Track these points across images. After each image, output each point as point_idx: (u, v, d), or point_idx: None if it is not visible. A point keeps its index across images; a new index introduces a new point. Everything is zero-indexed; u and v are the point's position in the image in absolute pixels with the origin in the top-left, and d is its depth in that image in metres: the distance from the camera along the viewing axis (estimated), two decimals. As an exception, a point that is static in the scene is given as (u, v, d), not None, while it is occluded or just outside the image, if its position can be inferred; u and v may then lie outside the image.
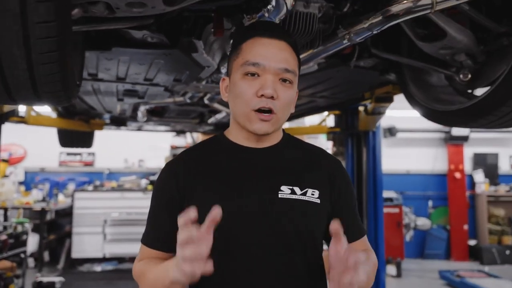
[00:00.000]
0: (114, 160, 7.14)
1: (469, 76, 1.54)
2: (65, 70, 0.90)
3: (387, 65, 1.82)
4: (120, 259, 6.34)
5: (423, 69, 1.70)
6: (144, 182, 6.76)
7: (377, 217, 3.32)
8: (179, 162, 1.05)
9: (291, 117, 3.53)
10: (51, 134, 4.74)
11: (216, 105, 2.77)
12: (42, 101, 0.97)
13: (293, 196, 0.96)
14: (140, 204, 6.34)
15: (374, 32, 1.20)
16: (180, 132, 5.87)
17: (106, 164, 7.18)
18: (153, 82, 1.99)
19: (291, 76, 0.96)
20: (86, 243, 6.14)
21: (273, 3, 1.05)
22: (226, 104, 2.79)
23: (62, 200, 6.33)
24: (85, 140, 3.81)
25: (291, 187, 0.97)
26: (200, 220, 0.83)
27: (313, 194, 0.98)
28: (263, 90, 0.92)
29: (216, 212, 0.79)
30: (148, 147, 7.20)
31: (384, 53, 1.64)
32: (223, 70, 1.71)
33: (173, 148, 6.79)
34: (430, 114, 1.69)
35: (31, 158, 6.92)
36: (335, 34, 1.30)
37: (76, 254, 6.12)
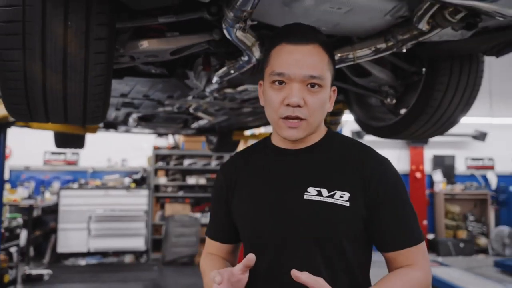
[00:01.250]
0: (98, 160, 7.42)
1: (394, 100, 2.06)
2: (105, 104, 1.34)
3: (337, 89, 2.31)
4: (104, 254, 6.68)
5: (363, 93, 2.21)
6: (127, 180, 7.10)
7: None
8: (231, 164, 1.13)
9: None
10: (35, 134, 5.00)
11: (200, 114, 3.22)
12: (86, 123, 1.41)
13: (319, 198, 0.95)
14: (124, 201, 6.70)
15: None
16: (162, 134, 6.27)
17: (90, 163, 7.47)
18: (150, 97, 2.43)
19: (319, 81, 0.94)
20: (71, 238, 6.46)
21: (245, 57, 1.50)
22: (208, 113, 3.24)
23: (48, 198, 6.62)
24: (78, 141, 4.18)
25: (318, 189, 0.96)
26: (237, 216, 1.04)
27: (342, 197, 0.94)
28: (288, 100, 0.93)
29: (249, 260, 0.89)
30: (131, 147, 7.51)
31: (333, 81, 2.14)
32: (207, 89, 2.16)
33: (156, 148, 7.14)
34: (366, 128, 2.21)
35: (16, 157, 7.15)
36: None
37: (61, 249, 6.43)
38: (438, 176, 7.94)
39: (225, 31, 1.31)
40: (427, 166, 8.11)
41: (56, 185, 7.01)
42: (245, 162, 1.09)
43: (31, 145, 6.92)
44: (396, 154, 8.08)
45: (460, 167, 8.31)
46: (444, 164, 8.10)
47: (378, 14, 1.30)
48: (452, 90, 1.79)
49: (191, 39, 1.44)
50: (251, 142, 7.15)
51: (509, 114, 7.95)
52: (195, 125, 3.88)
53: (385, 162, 1.01)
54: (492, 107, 8.01)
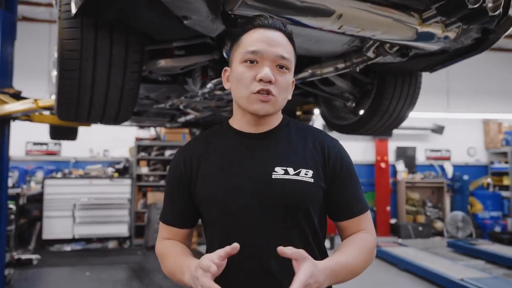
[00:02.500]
0: (80, 150, 7.63)
1: (354, 104, 2.56)
2: (133, 109, 1.76)
3: (308, 93, 2.79)
4: (88, 240, 6.98)
5: (329, 97, 2.69)
6: (110, 170, 7.40)
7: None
8: (188, 147, 1.13)
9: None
10: (17, 125, 5.21)
11: (189, 110, 3.62)
12: (116, 123, 1.82)
13: (287, 176, 1.01)
14: (108, 190, 7.00)
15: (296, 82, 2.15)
16: (145, 126, 6.60)
17: (72, 154, 7.69)
18: (149, 97, 2.82)
19: (287, 62, 1.01)
20: (56, 225, 6.72)
21: None
22: (196, 110, 3.65)
23: (33, 187, 6.84)
24: (72, 133, 4.50)
25: (285, 168, 1.02)
26: (203, 197, 1.04)
27: (306, 174, 1.02)
28: (261, 75, 0.98)
29: (233, 248, 0.87)
30: (112, 138, 7.77)
31: (305, 87, 2.61)
32: (200, 92, 2.58)
33: (138, 139, 7.45)
34: (331, 126, 2.71)
35: (-2, 148, 7.26)
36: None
37: (46, 235, 6.69)
38: (400, 166, 8.63)
39: (224, 54, 1.75)
40: (391, 157, 8.78)
41: (39, 174, 7.21)
42: (206, 146, 1.10)
43: (13, 136, 7.07)
44: (363, 146, 8.72)
45: (420, 158, 9.04)
46: (406, 155, 8.80)
47: (338, 44, 1.78)
48: (397, 97, 2.29)
49: (197, 58, 1.87)
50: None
51: (464, 110, 8.73)
52: (181, 119, 4.28)
53: (338, 142, 1.13)
54: (449, 104, 8.78)
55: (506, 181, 8.74)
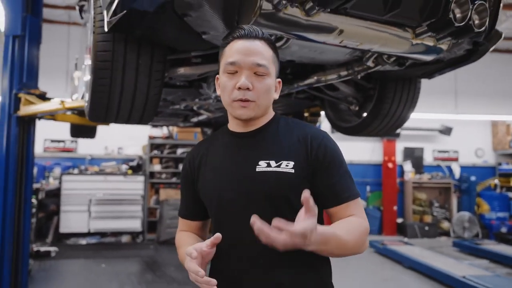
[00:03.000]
0: (95, 147, 7.91)
1: (357, 107, 2.73)
2: (155, 111, 1.96)
3: (314, 97, 2.97)
4: (103, 234, 7.25)
5: (334, 101, 2.87)
6: (124, 167, 7.65)
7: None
8: (194, 149, 1.28)
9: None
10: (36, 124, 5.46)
11: (202, 111, 3.83)
12: (140, 124, 2.02)
13: (269, 169, 1.10)
14: (122, 186, 7.26)
15: (300, 88, 2.34)
16: (158, 125, 6.83)
17: (88, 151, 7.98)
18: (166, 100, 3.03)
19: (264, 69, 1.10)
20: (72, 219, 7.00)
21: None
22: (208, 111, 3.85)
23: (51, 182, 7.13)
24: (91, 132, 4.75)
25: (267, 161, 1.11)
26: (203, 194, 1.18)
27: (287, 165, 1.09)
28: (239, 83, 1.08)
29: (216, 238, 1.01)
30: (127, 136, 8.02)
31: (312, 91, 2.79)
32: (213, 95, 2.77)
33: (151, 138, 7.69)
34: (337, 128, 2.89)
35: (17, 144, 7.56)
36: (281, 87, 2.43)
37: (63, 229, 6.97)
38: (408, 166, 8.74)
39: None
40: (399, 157, 8.90)
41: (57, 170, 7.50)
42: (207, 148, 1.24)
43: (32, 133, 7.37)
44: (371, 146, 8.85)
45: (428, 158, 9.14)
46: (414, 156, 8.91)
47: (341, 54, 1.96)
48: (397, 102, 2.46)
49: (212, 67, 2.07)
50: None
51: (472, 111, 8.80)
52: (194, 119, 4.48)
53: (322, 133, 1.17)
54: (457, 105, 8.86)
55: (513, 183, 8.79)
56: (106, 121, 1.96)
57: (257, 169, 1.10)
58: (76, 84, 4.17)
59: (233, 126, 1.20)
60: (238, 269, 1.12)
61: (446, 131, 8.88)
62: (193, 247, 1.02)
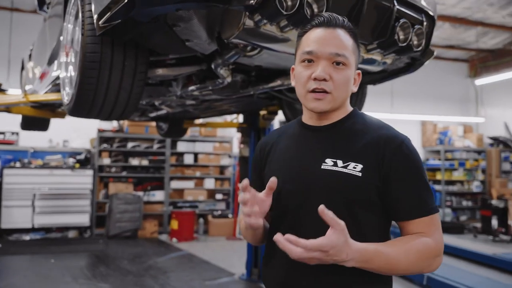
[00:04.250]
0: (38, 140, 7.57)
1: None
2: (136, 108, 2.11)
3: (273, 97, 3.25)
4: (48, 229, 7.03)
5: (291, 101, 3.17)
6: (71, 160, 7.45)
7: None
8: (267, 137, 1.28)
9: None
10: None
11: (163, 107, 3.95)
12: (121, 119, 2.15)
13: (334, 168, 1.03)
14: (69, 180, 7.08)
15: (265, 90, 2.59)
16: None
17: (30, 143, 7.63)
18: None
19: (343, 59, 1.03)
20: (15, 215, 6.72)
21: (220, 79, 2.33)
22: (169, 106, 3.98)
23: (-9, 176, 6.76)
24: (44, 124, 4.63)
25: (334, 160, 1.04)
26: (267, 179, 1.04)
27: (355, 168, 1.02)
28: (315, 74, 1.02)
29: (272, 182, 1.00)
30: (72, 128, 7.78)
31: (272, 92, 3.06)
32: (180, 93, 2.93)
33: (100, 131, 7.56)
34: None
35: (-50, 136, 7.06)
36: (247, 88, 2.67)
37: (5, 225, 6.68)
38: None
39: (212, 66, 2.15)
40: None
41: (-4, 164, 7.12)
42: (278, 137, 1.21)
43: (-33, 124, 6.93)
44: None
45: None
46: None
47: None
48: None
49: (188, 69, 2.26)
50: (195, 129, 7.80)
51: (405, 111, 9.65)
52: (153, 114, 4.57)
53: (401, 138, 1.05)
54: (393, 105, 9.66)
55: (439, 176, 9.80)
56: (87, 117, 2.07)
57: (322, 167, 1.04)
58: (30, 75, 4.08)
59: (307, 118, 1.15)
60: (290, 264, 1.01)
61: (383, 129, 9.64)
62: (244, 193, 1.02)
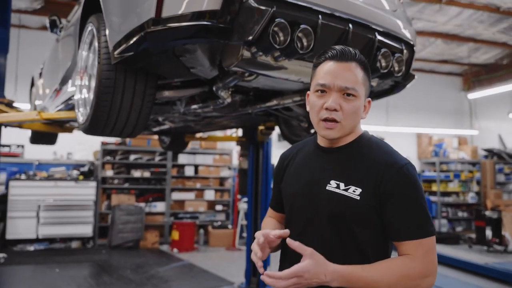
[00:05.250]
0: (43, 153, 7.78)
1: (307, 124, 3.26)
2: (144, 127, 2.33)
3: (270, 114, 3.47)
4: (51, 240, 7.19)
5: (287, 118, 3.39)
6: (75, 172, 7.65)
7: (267, 200, 5.00)
8: (287, 150, 1.41)
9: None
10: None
11: (166, 122, 4.17)
12: (131, 137, 2.37)
13: (337, 190, 1.14)
14: (73, 191, 7.27)
15: (262, 109, 2.81)
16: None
17: (35, 156, 7.84)
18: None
19: (353, 91, 1.15)
20: (20, 226, 6.89)
21: (221, 100, 2.55)
22: (172, 122, 4.20)
23: (-2, 188, 6.96)
24: (52, 138, 4.85)
25: (338, 182, 1.15)
26: (283, 193, 1.30)
27: (354, 191, 1.12)
28: (327, 104, 1.15)
29: (285, 232, 1.14)
30: (76, 141, 7.99)
31: (269, 109, 3.28)
32: (182, 110, 3.15)
33: (104, 144, 7.77)
34: (288, 140, 3.40)
35: (-42, 148, 7.26)
36: (246, 107, 2.89)
37: (10, 235, 6.84)
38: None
39: (214, 89, 2.37)
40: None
41: (2, 176, 7.31)
42: (297, 152, 1.35)
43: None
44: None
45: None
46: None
47: (296, 84, 2.46)
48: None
49: (192, 91, 2.48)
50: (196, 142, 8.00)
51: (400, 124, 9.89)
52: (156, 128, 4.79)
53: (400, 164, 1.13)
54: (388, 118, 9.90)
55: (434, 188, 9.99)
56: (101, 135, 2.28)
57: (327, 187, 1.16)
58: (40, 92, 4.31)
59: (320, 139, 1.27)
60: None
61: (379, 141, 9.87)
62: (261, 232, 1.15)
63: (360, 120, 1.23)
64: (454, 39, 8.39)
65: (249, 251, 4.44)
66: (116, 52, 1.89)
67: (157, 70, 2.11)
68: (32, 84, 4.82)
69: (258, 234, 1.16)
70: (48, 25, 3.75)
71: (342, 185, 1.15)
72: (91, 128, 2.23)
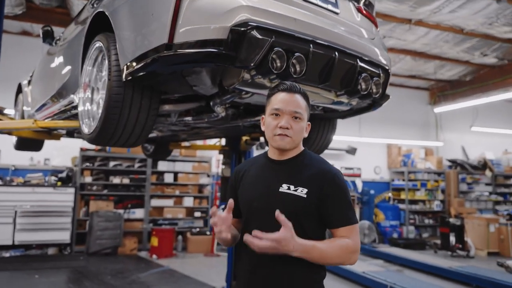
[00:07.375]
0: (19, 158, 7.68)
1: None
2: (147, 138, 2.52)
3: (256, 125, 3.71)
4: (27, 246, 7.11)
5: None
6: (53, 178, 7.60)
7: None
8: (241, 165, 1.74)
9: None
10: None
11: (154, 131, 4.33)
12: (133, 147, 2.55)
13: (288, 191, 1.48)
14: (51, 198, 7.22)
15: (252, 122, 3.05)
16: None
17: (11, 161, 7.73)
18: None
19: (299, 115, 1.52)
20: (-5, 232, 6.78)
21: (216, 113, 2.77)
22: (160, 131, 4.36)
23: (-28, 193, 6.82)
24: (38, 145, 4.89)
25: (288, 185, 1.49)
26: (240, 200, 1.60)
27: (302, 191, 1.46)
28: (281, 124, 1.51)
29: (230, 203, 1.48)
30: (53, 147, 7.92)
31: (256, 122, 3.52)
32: (174, 120, 3.34)
33: (83, 150, 7.77)
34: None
35: None
36: (237, 120, 3.12)
37: (-16, 242, 6.72)
38: (320, 181, 9.91)
39: (211, 104, 2.60)
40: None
41: (-23, 181, 7.18)
42: (250, 166, 1.68)
43: None
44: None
45: (337, 174, 10.45)
46: (325, 172, 10.13)
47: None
48: (321, 134, 3.31)
49: (190, 105, 2.69)
50: (177, 151, 8.09)
51: (372, 135, 10.36)
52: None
53: (334, 171, 1.53)
54: (361, 129, 10.35)
55: (403, 196, 10.50)
56: (105, 145, 2.44)
57: (279, 190, 1.50)
58: (29, 99, 4.38)
59: (271, 153, 1.62)
60: (253, 260, 1.50)
61: (352, 151, 10.31)
62: (215, 209, 1.47)
63: (303, 138, 1.59)
64: (422, 57, 8.95)
65: (230, 256, 4.64)
66: (127, 72, 2.08)
67: (163, 87, 2.32)
68: (19, 91, 4.86)
69: (212, 210, 1.48)
70: (41, 35, 3.87)
71: (292, 187, 1.48)
72: (98, 138, 2.40)
